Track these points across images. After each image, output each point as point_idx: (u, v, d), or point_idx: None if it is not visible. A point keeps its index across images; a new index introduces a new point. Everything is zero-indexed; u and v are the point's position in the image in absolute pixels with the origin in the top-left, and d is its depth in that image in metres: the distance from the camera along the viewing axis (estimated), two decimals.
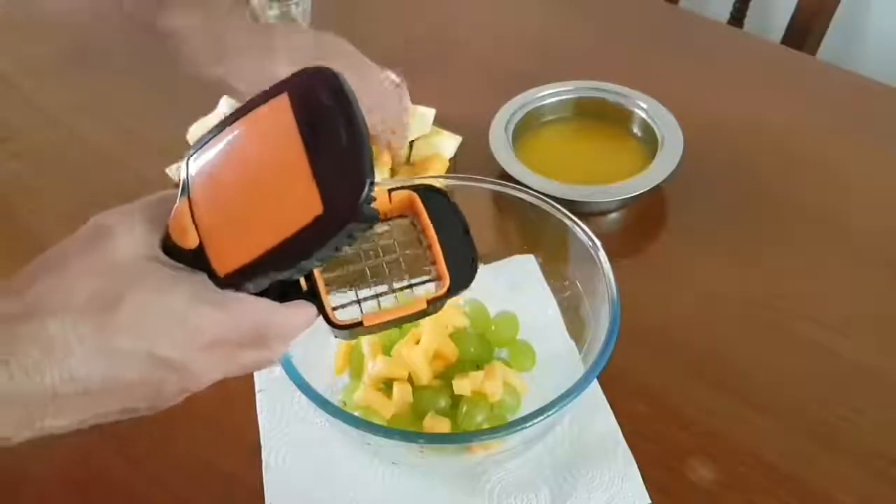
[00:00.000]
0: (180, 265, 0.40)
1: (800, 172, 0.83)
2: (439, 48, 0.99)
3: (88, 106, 0.94)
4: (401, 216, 0.48)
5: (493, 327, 0.64)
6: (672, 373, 0.66)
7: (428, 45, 0.99)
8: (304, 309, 0.43)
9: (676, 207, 0.80)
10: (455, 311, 0.62)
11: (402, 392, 0.58)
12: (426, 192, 0.48)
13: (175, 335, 0.38)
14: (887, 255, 0.75)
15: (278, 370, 0.53)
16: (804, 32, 1.17)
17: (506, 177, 0.78)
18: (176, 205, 0.40)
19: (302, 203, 0.38)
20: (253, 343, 0.41)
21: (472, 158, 0.83)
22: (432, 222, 0.47)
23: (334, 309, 0.44)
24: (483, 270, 0.68)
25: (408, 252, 0.47)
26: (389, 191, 0.47)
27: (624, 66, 0.95)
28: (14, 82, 0.97)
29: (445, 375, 0.59)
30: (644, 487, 0.58)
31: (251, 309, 0.40)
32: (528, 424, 0.50)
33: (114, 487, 0.61)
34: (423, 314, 0.46)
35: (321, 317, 0.44)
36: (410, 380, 0.59)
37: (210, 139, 0.41)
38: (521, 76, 0.89)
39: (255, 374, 0.65)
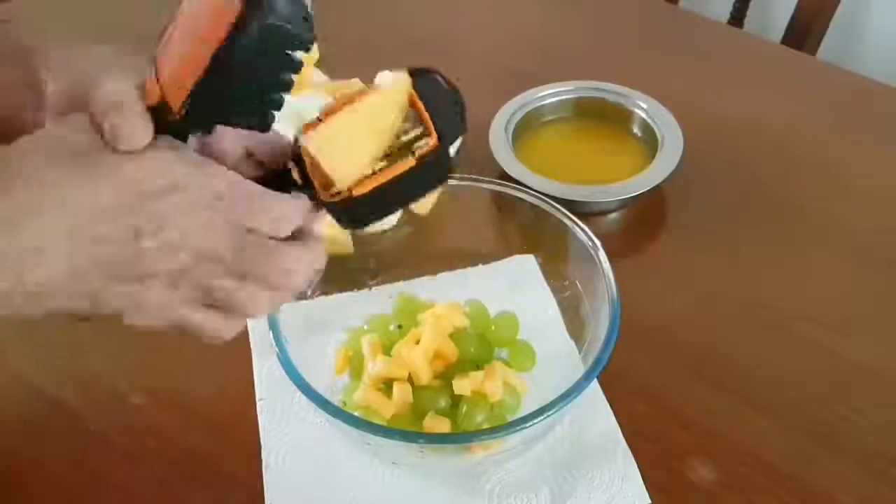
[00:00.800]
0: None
1: (800, 172, 0.83)
2: (439, 48, 0.99)
3: None
4: None
5: (493, 327, 0.64)
6: (672, 373, 0.66)
7: (428, 45, 0.99)
8: (297, 198, 0.44)
9: (676, 207, 0.80)
10: (455, 311, 0.62)
11: (402, 392, 0.58)
12: (417, 74, 0.48)
13: (151, 181, 0.40)
14: (887, 255, 0.75)
15: (279, 371, 0.53)
16: (804, 32, 1.17)
17: (506, 177, 0.78)
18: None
19: (225, 10, 0.39)
20: (243, 217, 0.41)
21: (472, 158, 0.83)
22: (418, 95, 0.46)
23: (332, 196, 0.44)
24: (483, 270, 0.69)
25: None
26: (378, 83, 0.47)
27: (624, 66, 0.95)
28: None
29: (445, 375, 0.59)
30: (644, 487, 0.58)
31: (223, 173, 0.41)
32: (528, 424, 0.50)
33: (111, 488, 0.61)
34: (419, 177, 0.46)
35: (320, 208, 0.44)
36: (410, 380, 0.59)
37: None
38: (521, 76, 0.89)
39: (256, 381, 0.65)
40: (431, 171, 0.46)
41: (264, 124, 0.43)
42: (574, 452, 0.60)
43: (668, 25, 1.06)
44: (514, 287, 0.68)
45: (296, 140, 0.46)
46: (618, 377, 0.60)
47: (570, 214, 0.61)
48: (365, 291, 0.67)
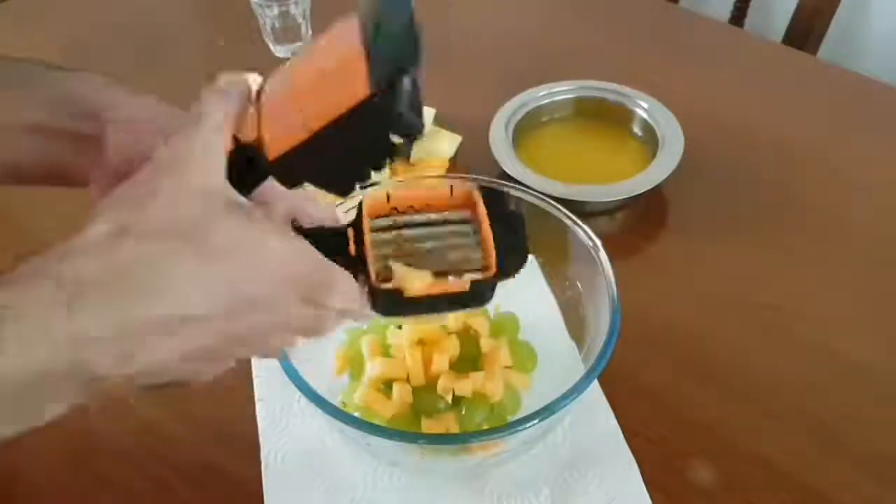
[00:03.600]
0: (248, 201, 0.41)
1: (800, 172, 0.83)
2: (439, 48, 0.99)
3: None
4: (460, 209, 0.50)
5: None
6: (672, 373, 0.66)
7: (428, 45, 0.99)
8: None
9: (676, 207, 0.80)
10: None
11: (401, 392, 0.58)
12: (486, 189, 0.50)
13: (258, 266, 0.39)
14: (888, 255, 0.75)
15: (278, 371, 0.53)
16: (804, 32, 1.17)
17: (506, 177, 0.78)
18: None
19: (351, 88, 0.39)
20: (317, 299, 0.42)
21: (472, 158, 0.83)
22: (489, 216, 0.48)
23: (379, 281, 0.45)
24: None
25: (460, 239, 0.48)
26: (451, 185, 0.50)
27: (624, 66, 0.95)
28: None
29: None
30: (644, 487, 0.58)
31: (316, 255, 0.41)
32: (527, 425, 0.50)
33: (112, 489, 0.61)
34: (465, 297, 0.46)
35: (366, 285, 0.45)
36: (409, 380, 0.59)
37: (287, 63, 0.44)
38: (521, 76, 0.89)
39: (255, 381, 0.65)
40: (477, 295, 0.47)
41: (345, 193, 0.43)
42: (574, 453, 0.60)
43: (668, 25, 1.06)
44: (514, 287, 0.67)
45: (360, 205, 0.48)
46: (618, 377, 0.60)
47: (570, 214, 0.61)
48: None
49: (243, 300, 0.38)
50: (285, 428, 0.62)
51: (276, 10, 0.96)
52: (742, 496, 0.59)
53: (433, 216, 0.49)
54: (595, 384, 0.62)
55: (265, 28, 0.99)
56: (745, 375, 0.66)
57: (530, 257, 0.69)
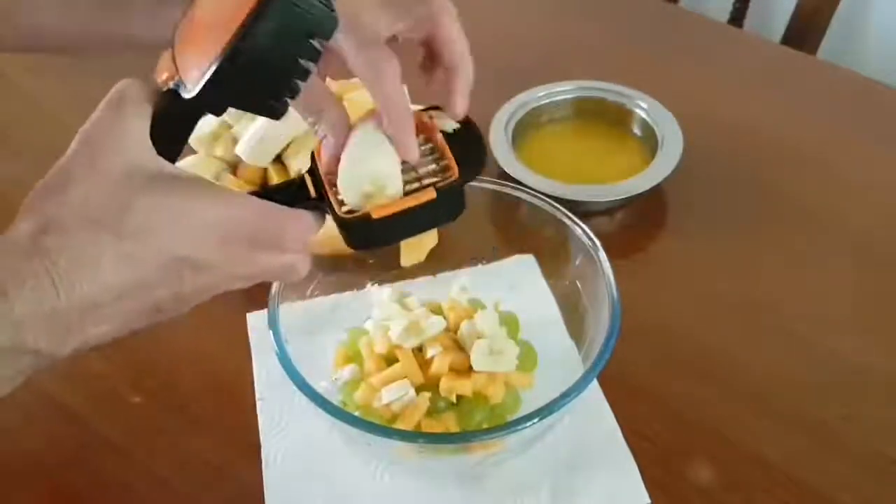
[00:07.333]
0: (176, 168, 0.41)
1: (799, 172, 0.83)
2: None
3: (88, 105, 0.94)
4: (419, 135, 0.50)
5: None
6: (672, 373, 0.66)
7: None
8: (312, 213, 0.45)
9: (676, 207, 0.80)
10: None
11: None
12: (435, 109, 0.51)
13: (185, 233, 0.40)
14: (887, 255, 0.75)
15: (279, 371, 0.53)
16: (804, 32, 1.17)
17: (506, 177, 0.78)
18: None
19: None
20: (268, 244, 0.42)
21: None
22: (443, 132, 0.49)
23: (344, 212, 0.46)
24: (483, 270, 0.68)
25: (424, 162, 0.48)
26: None
27: (624, 66, 0.95)
28: (14, 81, 0.97)
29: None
30: (644, 487, 0.58)
31: (255, 204, 0.42)
32: (527, 424, 0.50)
33: (112, 489, 0.61)
34: (434, 206, 0.46)
35: (335, 223, 0.45)
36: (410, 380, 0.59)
37: None
38: (521, 76, 0.89)
39: (256, 381, 0.65)
40: (447, 205, 0.47)
41: (277, 111, 0.42)
42: (574, 452, 0.60)
43: (668, 25, 1.06)
44: (514, 287, 0.67)
45: (312, 154, 0.48)
46: (618, 377, 0.60)
47: (570, 214, 0.61)
48: (365, 291, 0.67)
49: (181, 266, 0.39)
50: (285, 428, 0.62)
51: None
52: (742, 496, 0.59)
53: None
54: (595, 384, 0.62)
55: None
56: (745, 375, 0.66)
57: (531, 256, 0.70)
